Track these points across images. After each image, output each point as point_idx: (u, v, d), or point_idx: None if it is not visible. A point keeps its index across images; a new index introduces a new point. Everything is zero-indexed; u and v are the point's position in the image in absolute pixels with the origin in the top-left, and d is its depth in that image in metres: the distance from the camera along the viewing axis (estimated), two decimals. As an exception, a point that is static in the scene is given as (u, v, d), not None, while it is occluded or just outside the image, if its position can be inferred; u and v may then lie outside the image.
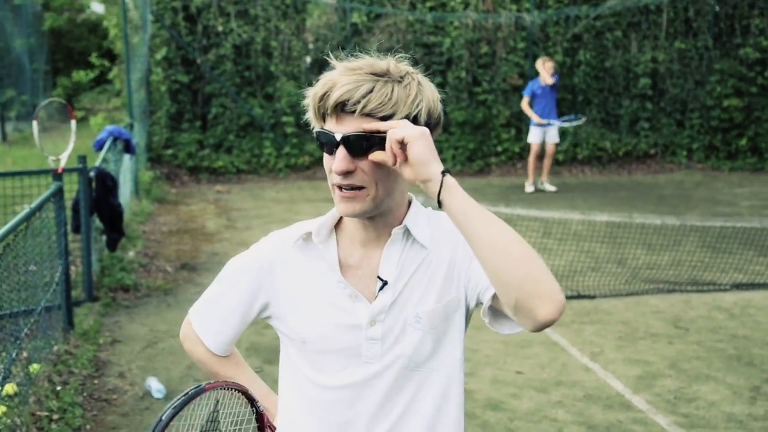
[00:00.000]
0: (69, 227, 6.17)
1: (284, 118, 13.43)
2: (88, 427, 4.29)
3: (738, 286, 6.75)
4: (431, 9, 13.92)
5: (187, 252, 8.05)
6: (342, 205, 1.58)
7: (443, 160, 13.64)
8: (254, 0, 13.54)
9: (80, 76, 20.60)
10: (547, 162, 11.80)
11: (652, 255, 7.65)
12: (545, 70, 11.18)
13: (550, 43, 14.12)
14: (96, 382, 4.88)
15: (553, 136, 11.51)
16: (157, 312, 6.18)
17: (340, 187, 1.56)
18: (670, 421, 4.31)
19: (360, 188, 1.55)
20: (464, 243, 1.63)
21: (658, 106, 14.47)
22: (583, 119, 11.94)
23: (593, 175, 13.51)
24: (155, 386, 4.69)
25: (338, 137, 1.52)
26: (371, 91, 1.51)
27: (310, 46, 13.89)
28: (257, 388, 1.86)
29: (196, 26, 13.37)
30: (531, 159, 11.69)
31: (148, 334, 5.69)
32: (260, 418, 1.79)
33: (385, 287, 1.63)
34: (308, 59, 13.84)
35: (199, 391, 1.59)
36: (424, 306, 1.64)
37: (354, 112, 1.51)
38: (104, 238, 6.98)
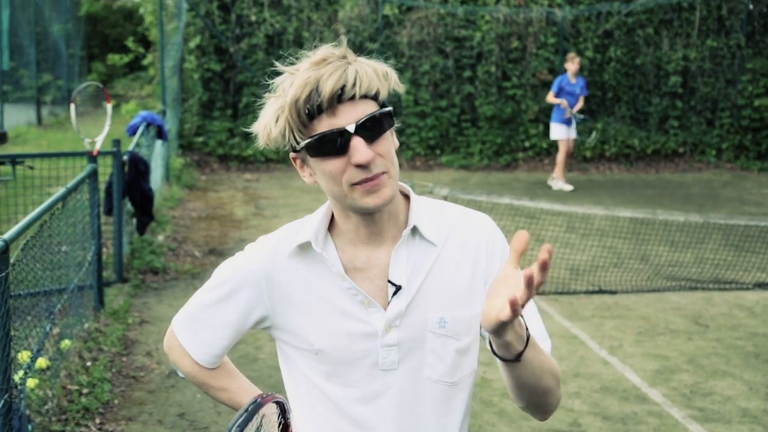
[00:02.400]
0: (102, 209, 6.33)
1: (314, 109, 13.52)
2: (116, 401, 4.44)
3: (761, 285, 6.76)
4: (462, 2, 13.96)
5: (215, 237, 8.20)
6: (370, 198, 1.44)
7: (470, 155, 13.72)
8: (287, -10, 13.67)
9: (115, 59, 20.91)
10: (563, 159, 11.72)
11: (675, 252, 7.68)
12: (572, 65, 11.23)
13: (580, 39, 14.10)
14: (124, 359, 5.03)
15: (573, 132, 11.49)
16: (185, 295, 6.32)
17: (362, 182, 1.44)
18: (685, 414, 4.37)
19: (382, 174, 1.44)
20: (499, 259, 1.58)
21: (688, 105, 14.40)
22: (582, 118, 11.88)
23: (620, 172, 13.49)
24: (181, 365, 4.82)
25: (351, 128, 1.41)
26: (357, 72, 1.41)
27: (342, 37, 13.96)
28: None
29: (230, 15, 13.53)
30: (562, 156, 11.49)
31: (176, 316, 5.83)
32: (285, 429, 1.69)
33: (399, 292, 1.52)
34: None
35: (258, 406, 1.54)
36: (451, 311, 1.55)
37: (353, 97, 1.41)
38: (135, 221, 7.14)
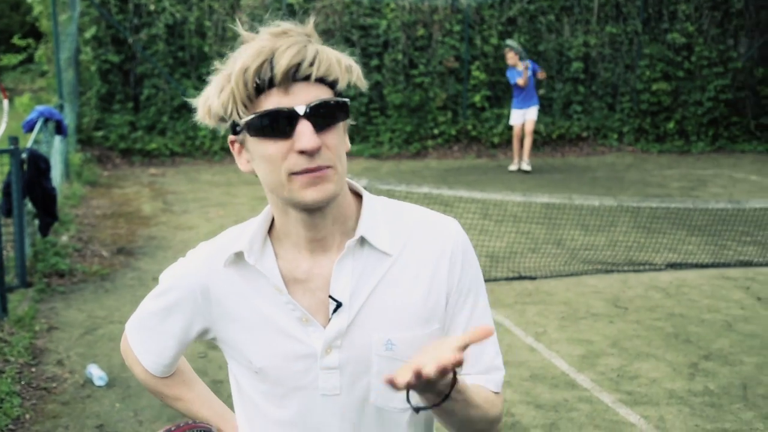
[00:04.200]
0: (0, 211, 5.96)
1: (219, 100, 13.20)
2: (27, 416, 4.16)
3: (672, 266, 6.93)
4: (367, -10, 13.85)
5: (123, 236, 7.86)
6: (310, 191, 1.29)
7: (380, 143, 13.66)
8: (187, -22, 13.26)
9: (9, 59, 19.84)
10: (527, 141, 12.03)
11: (588, 236, 7.80)
12: (511, 63, 11.66)
13: (485, 26, 14.21)
14: (33, 370, 4.73)
15: (532, 115, 11.86)
16: (95, 298, 6.02)
17: (302, 172, 1.28)
18: (615, 398, 4.41)
19: (328, 168, 1.29)
20: (460, 276, 1.42)
21: (590, 90, 14.73)
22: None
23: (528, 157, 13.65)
24: (96, 373, 4.58)
25: (301, 110, 1.26)
26: (317, 52, 1.28)
27: (245, 26, 13.65)
28: (210, 408, 1.64)
29: (127, 5, 13.03)
30: (515, 141, 12.07)
31: (86, 321, 5.54)
32: None
33: (340, 309, 1.37)
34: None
35: None
36: (400, 332, 1.38)
37: (308, 77, 1.27)
38: (37, 222, 6.76)
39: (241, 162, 1.38)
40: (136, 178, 11.34)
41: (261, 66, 1.26)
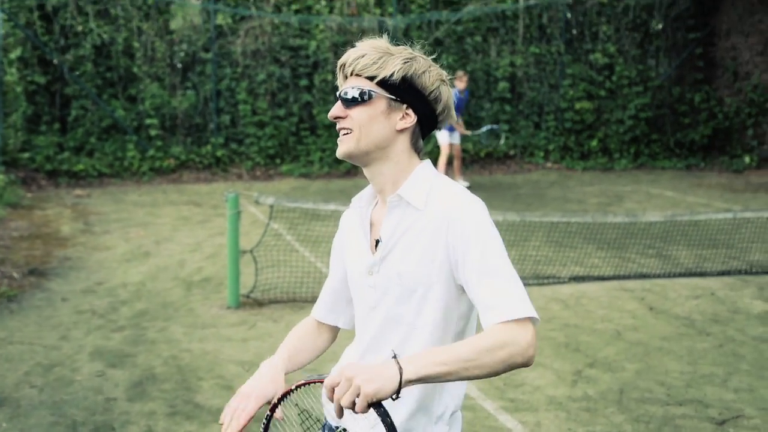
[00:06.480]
0: None
1: (148, 121, 13.23)
2: None
3: (575, 279, 7.17)
4: (296, 12, 14.03)
5: (38, 257, 7.85)
6: (339, 146, 1.89)
7: (310, 163, 13.80)
8: (114, 0, 13.27)
9: None
10: (456, 163, 12.33)
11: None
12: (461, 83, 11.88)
13: (413, 47, 14.45)
14: (-73, 392, 4.73)
15: (457, 138, 12.16)
16: None
17: (338, 133, 1.89)
18: (498, 406, 4.58)
19: (348, 131, 1.86)
20: (456, 231, 1.80)
21: (517, 109, 15.08)
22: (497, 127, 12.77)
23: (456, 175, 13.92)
24: (-11, 394, 4.60)
25: (339, 93, 1.89)
26: (364, 56, 1.83)
27: (175, 47, 13.73)
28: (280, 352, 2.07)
29: (53, 26, 13.00)
30: (443, 160, 11.96)
31: (-12, 342, 5.54)
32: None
33: (379, 245, 1.90)
34: (178, 62, 13.64)
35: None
36: (406, 265, 1.86)
37: (351, 72, 1.85)
38: (-56, 244, 6.74)
39: None
40: (60, 199, 11.28)
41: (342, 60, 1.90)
